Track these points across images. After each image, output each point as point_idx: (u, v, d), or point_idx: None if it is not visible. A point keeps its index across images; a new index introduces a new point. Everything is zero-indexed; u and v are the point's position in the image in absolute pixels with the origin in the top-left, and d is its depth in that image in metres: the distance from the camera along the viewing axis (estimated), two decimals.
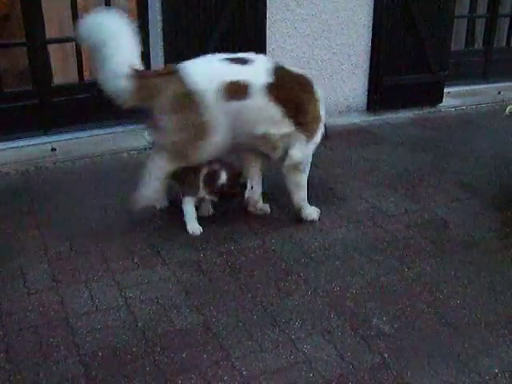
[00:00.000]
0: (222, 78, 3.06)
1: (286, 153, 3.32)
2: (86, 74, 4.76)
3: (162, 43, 4.59)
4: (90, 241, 3.20)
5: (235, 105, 3.08)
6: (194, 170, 3.26)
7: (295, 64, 4.52)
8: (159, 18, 4.54)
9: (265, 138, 3.24)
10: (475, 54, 6.80)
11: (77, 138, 4.64)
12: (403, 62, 5.64)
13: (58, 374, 2.26)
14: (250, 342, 2.45)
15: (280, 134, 3.23)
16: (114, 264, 3.00)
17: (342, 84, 5.53)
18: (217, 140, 3.12)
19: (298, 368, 2.32)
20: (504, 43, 7.01)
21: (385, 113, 5.67)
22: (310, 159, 3.39)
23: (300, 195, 3.44)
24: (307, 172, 3.41)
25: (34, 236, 3.26)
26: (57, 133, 4.64)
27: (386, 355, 2.40)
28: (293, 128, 3.24)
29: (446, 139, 5.09)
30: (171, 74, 3.13)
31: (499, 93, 6.44)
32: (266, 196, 3.62)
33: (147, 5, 4.64)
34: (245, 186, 3.34)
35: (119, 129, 4.78)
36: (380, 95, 5.66)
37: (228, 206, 3.50)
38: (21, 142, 4.47)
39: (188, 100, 3.04)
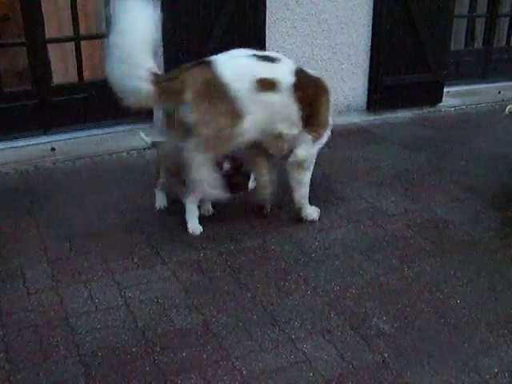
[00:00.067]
0: (253, 72, 3.09)
1: (290, 150, 3.34)
2: (85, 73, 4.76)
3: (161, 42, 4.58)
4: (90, 241, 3.20)
5: (265, 96, 3.09)
6: None
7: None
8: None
9: (279, 137, 3.26)
10: (475, 53, 6.80)
11: (76, 138, 4.64)
12: (403, 61, 5.64)
13: (57, 373, 2.25)
14: (250, 342, 2.45)
15: (292, 134, 3.27)
16: (113, 264, 3.00)
17: (341, 83, 5.53)
18: (248, 127, 3.11)
19: (297, 368, 2.32)
20: (504, 43, 7.02)
21: (385, 112, 5.67)
22: (315, 159, 3.41)
23: (301, 193, 3.44)
24: (311, 170, 3.41)
25: (33, 236, 3.26)
26: (56, 133, 4.64)
27: (386, 355, 2.40)
28: (301, 129, 3.28)
29: (446, 139, 5.09)
30: (203, 65, 3.09)
31: (499, 92, 6.44)
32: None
33: None
34: (248, 177, 3.35)
35: (119, 128, 4.79)
36: (380, 95, 5.66)
37: (228, 205, 3.50)
38: (20, 142, 4.48)
39: (221, 89, 3.03)
